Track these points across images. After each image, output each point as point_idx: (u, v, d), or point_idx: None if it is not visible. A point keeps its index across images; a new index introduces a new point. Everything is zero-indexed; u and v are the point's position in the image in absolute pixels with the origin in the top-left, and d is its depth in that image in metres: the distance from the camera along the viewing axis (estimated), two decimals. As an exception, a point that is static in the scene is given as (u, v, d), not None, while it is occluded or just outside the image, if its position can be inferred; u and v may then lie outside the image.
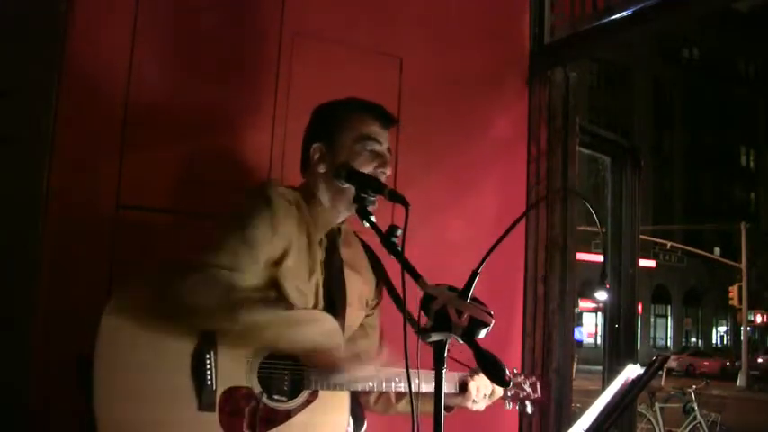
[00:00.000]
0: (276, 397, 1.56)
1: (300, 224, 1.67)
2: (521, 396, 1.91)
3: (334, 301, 1.70)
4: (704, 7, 2.47)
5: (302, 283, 1.64)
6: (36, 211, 1.87)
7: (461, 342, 1.19)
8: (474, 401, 1.80)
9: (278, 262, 1.60)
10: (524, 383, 1.92)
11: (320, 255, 1.71)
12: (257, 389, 1.54)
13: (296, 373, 1.59)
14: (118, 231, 1.95)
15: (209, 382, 1.47)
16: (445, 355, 1.24)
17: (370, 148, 1.68)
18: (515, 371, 1.93)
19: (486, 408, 1.86)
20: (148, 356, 1.48)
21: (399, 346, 1.42)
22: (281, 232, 1.60)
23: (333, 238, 1.75)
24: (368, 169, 1.65)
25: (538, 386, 1.94)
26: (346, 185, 1.62)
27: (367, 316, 1.85)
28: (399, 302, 1.77)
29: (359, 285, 1.79)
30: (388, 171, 1.69)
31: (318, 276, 1.69)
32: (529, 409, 1.92)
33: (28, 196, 1.90)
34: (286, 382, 1.58)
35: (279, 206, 1.61)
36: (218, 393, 1.49)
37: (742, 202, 37.21)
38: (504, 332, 2.56)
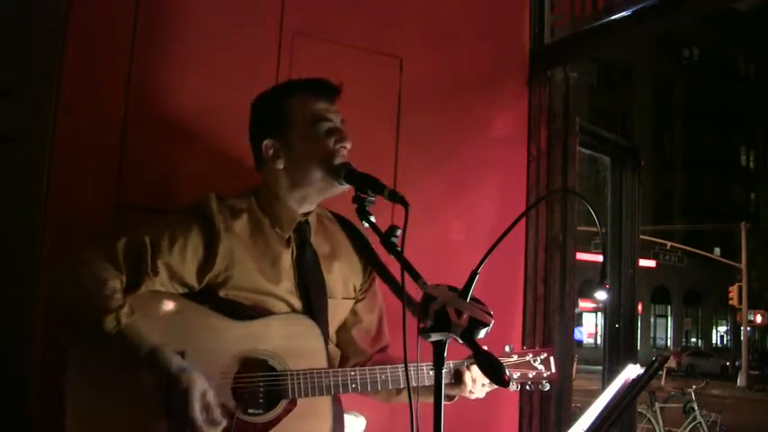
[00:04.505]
0: (251, 411, 1.52)
1: (254, 232, 1.64)
2: (530, 376, 1.79)
3: (311, 299, 1.66)
4: (704, 7, 2.48)
5: (260, 292, 1.61)
6: (36, 210, 1.87)
7: (461, 342, 1.19)
8: (471, 392, 1.74)
9: (217, 277, 1.57)
10: (534, 361, 1.80)
11: (290, 254, 1.68)
12: (231, 404, 1.50)
13: (272, 383, 1.55)
14: (112, 233, 1.94)
15: None
16: (445, 355, 1.23)
17: (324, 128, 1.64)
18: (524, 348, 1.83)
19: (487, 408, 1.83)
20: (118, 381, 1.45)
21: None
22: (212, 249, 1.57)
23: (303, 232, 1.71)
24: (328, 148, 1.62)
25: (551, 362, 1.81)
26: (345, 185, 1.61)
27: (358, 301, 1.81)
28: (393, 284, 1.75)
29: (341, 273, 1.75)
30: (348, 144, 1.65)
31: (289, 277, 1.66)
32: (546, 388, 1.80)
33: (28, 196, 1.90)
34: (261, 395, 1.54)
35: (211, 225, 1.58)
36: None
37: (742, 202, 37.21)
38: (504, 332, 2.55)
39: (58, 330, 1.56)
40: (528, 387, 1.80)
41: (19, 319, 1.84)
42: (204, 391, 1.42)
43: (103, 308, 1.41)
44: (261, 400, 1.54)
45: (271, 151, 1.67)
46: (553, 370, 1.81)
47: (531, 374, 1.79)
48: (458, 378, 1.74)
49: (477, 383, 1.74)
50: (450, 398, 1.75)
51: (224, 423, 1.45)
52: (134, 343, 1.41)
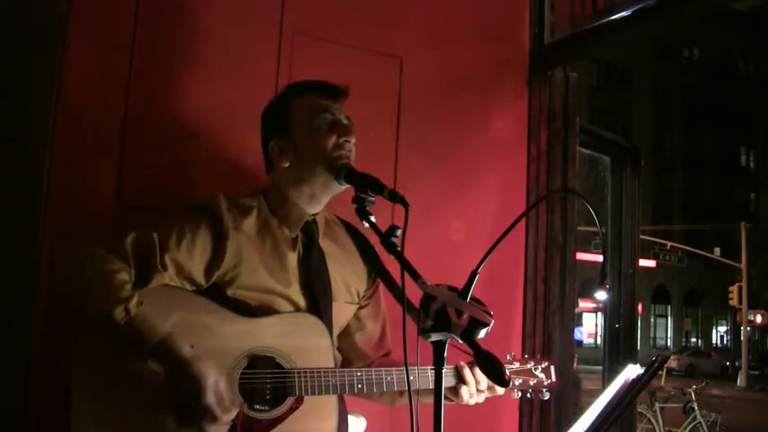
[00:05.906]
0: (258, 407, 1.52)
1: (262, 230, 1.64)
2: (531, 384, 1.81)
3: (316, 299, 1.66)
4: (704, 7, 2.47)
5: (266, 291, 1.60)
6: (36, 210, 1.87)
7: (461, 342, 1.19)
8: (471, 395, 1.74)
9: (225, 275, 1.57)
10: (535, 369, 1.82)
11: (296, 254, 1.67)
12: (238, 400, 1.50)
13: (279, 380, 1.55)
14: (118, 231, 1.94)
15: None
16: (445, 355, 1.23)
17: (325, 121, 1.64)
18: (526, 356, 1.84)
19: (487, 407, 1.83)
20: (124, 376, 1.45)
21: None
22: (220, 247, 1.56)
23: (310, 232, 1.71)
24: (331, 142, 1.62)
25: (552, 371, 1.83)
26: (345, 185, 1.61)
27: (361, 307, 1.80)
28: (394, 288, 1.74)
29: (344, 276, 1.74)
30: (353, 138, 1.64)
31: (295, 277, 1.65)
32: (546, 396, 1.82)
33: (28, 196, 1.90)
34: (268, 392, 1.54)
35: (220, 223, 1.58)
36: None
37: (742, 202, 37.21)
38: (504, 332, 2.56)
39: (61, 327, 1.56)
40: (528, 395, 1.82)
41: (19, 319, 1.84)
42: (217, 381, 1.42)
43: (113, 299, 1.41)
44: (267, 397, 1.54)
45: (276, 150, 1.67)
46: (554, 379, 1.83)
47: (532, 382, 1.82)
48: (458, 381, 1.74)
49: (481, 384, 1.73)
50: (449, 399, 1.74)
51: (236, 410, 1.45)
52: (143, 333, 1.41)
